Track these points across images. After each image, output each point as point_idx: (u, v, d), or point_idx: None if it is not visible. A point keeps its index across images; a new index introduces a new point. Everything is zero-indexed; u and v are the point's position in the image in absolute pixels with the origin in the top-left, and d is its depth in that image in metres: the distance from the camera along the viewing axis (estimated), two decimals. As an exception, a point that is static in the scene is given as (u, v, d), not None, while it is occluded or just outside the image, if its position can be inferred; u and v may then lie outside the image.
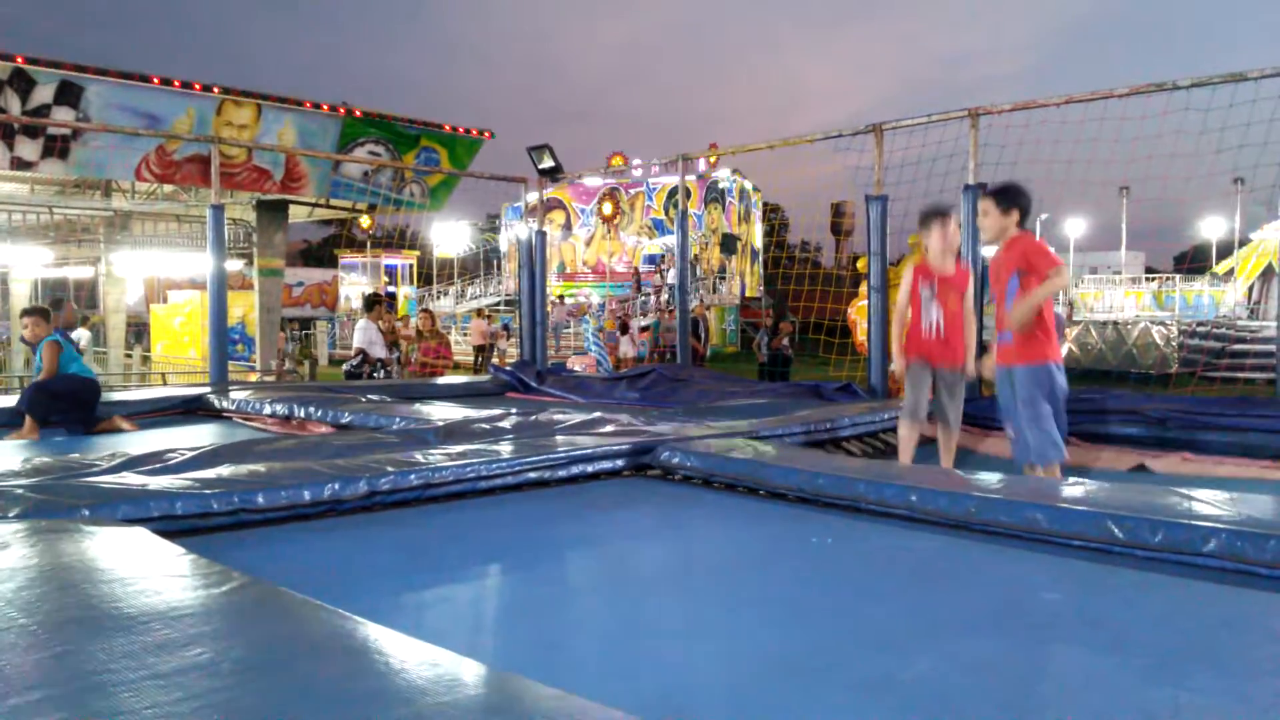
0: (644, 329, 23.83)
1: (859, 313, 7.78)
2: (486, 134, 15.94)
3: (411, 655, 1.66)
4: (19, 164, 12.21)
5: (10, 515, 2.80)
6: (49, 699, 1.44)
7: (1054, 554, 2.93)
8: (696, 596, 2.72)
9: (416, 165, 15.35)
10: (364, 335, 10.20)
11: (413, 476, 3.59)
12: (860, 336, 7.77)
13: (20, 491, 3.07)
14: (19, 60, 11.31)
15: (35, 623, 1.80)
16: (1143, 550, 2.82)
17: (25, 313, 6.59)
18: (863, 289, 7.63)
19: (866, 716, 1.80)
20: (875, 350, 7.30)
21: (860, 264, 7.80)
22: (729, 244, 35.96)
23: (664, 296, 28.96)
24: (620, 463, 4.25)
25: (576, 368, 14.33)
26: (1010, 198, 4.47)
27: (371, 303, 10.90)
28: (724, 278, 34.84)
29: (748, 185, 37.69)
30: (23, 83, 11.50)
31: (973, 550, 3.02)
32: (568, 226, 37.71)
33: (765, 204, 39.21)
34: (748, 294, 35.23)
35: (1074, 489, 3.28)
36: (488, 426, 4.91)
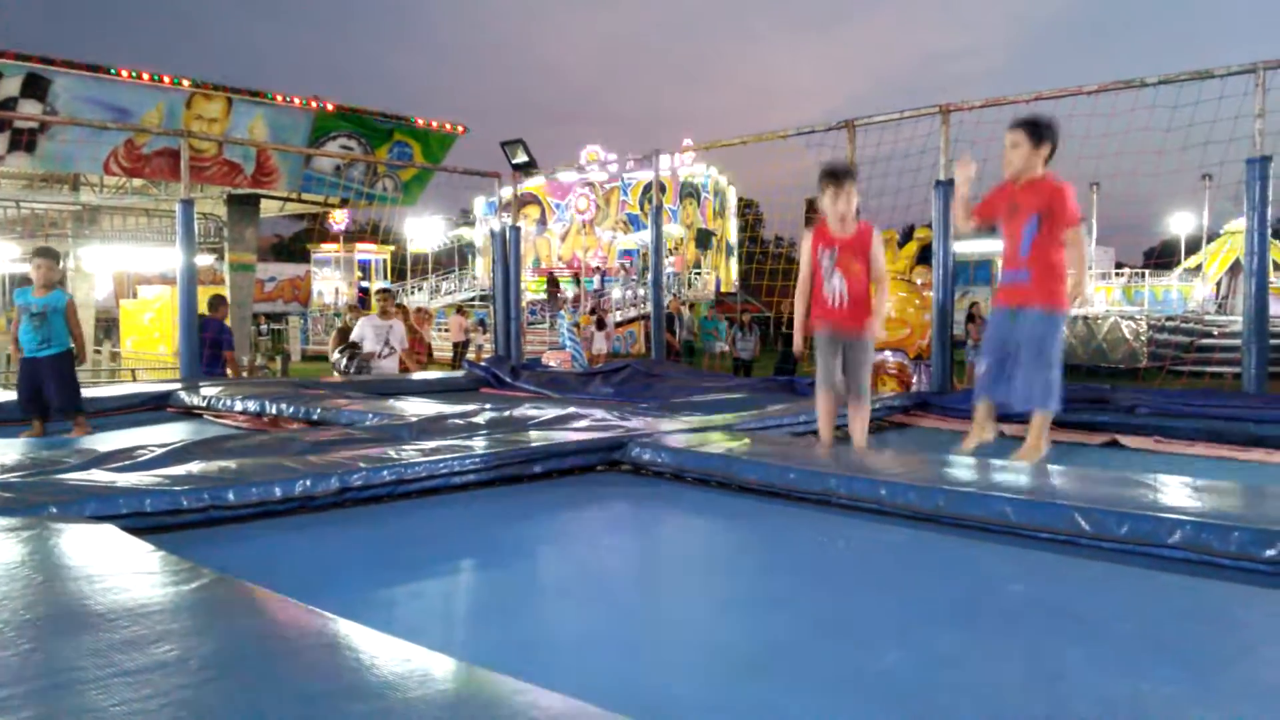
0: (619, 325, 23.84)
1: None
2: (460, 128, 15.89)
3: (382, 651, 1.66)
4: (-16, 157, 12.05)
5: (-25, 513, 2.76)
6: (14, 697, 1.43)
7: (1022, 546, 2.96)
8: (667, 591, 2.73)
9: (389, 160, 15.28)
10: (358, 330, 10.05)
11: (385, 473, 3.58)
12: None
13: (-14, 489, 3.03)
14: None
15: (0, 621, 1.79)
16: (1109, 542, 2.86)
17: (39, 253, 5.85)
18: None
19: (836, 710, 1.82)
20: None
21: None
22: (704, 239, 36.04)
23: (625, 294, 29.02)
24: (593, 458, 4.26)
25: (552, 363, 14.31)
26: (1045, 131, 4.27)
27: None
28: (699, 273, 34.91)
29: (722, 180, 37.74)
30: (-12, 75, 11.35)
31: (942, 543, 3.05)
32: (543, 221, 37.65)
33: (740, 199, 39.31)
34: (723, 289, 35.33)
35: (1042, 481, 3.32)
36: (461, 422, 4.90)
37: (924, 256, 7.30)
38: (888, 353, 7.52)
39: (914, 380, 7.32)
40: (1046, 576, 2.69)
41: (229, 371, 9.61)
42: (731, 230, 39.06)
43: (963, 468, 3.66)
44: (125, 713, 1.39)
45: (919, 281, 7.35)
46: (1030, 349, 4.23)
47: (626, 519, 3.65)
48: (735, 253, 38.64)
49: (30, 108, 11.67)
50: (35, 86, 11.68)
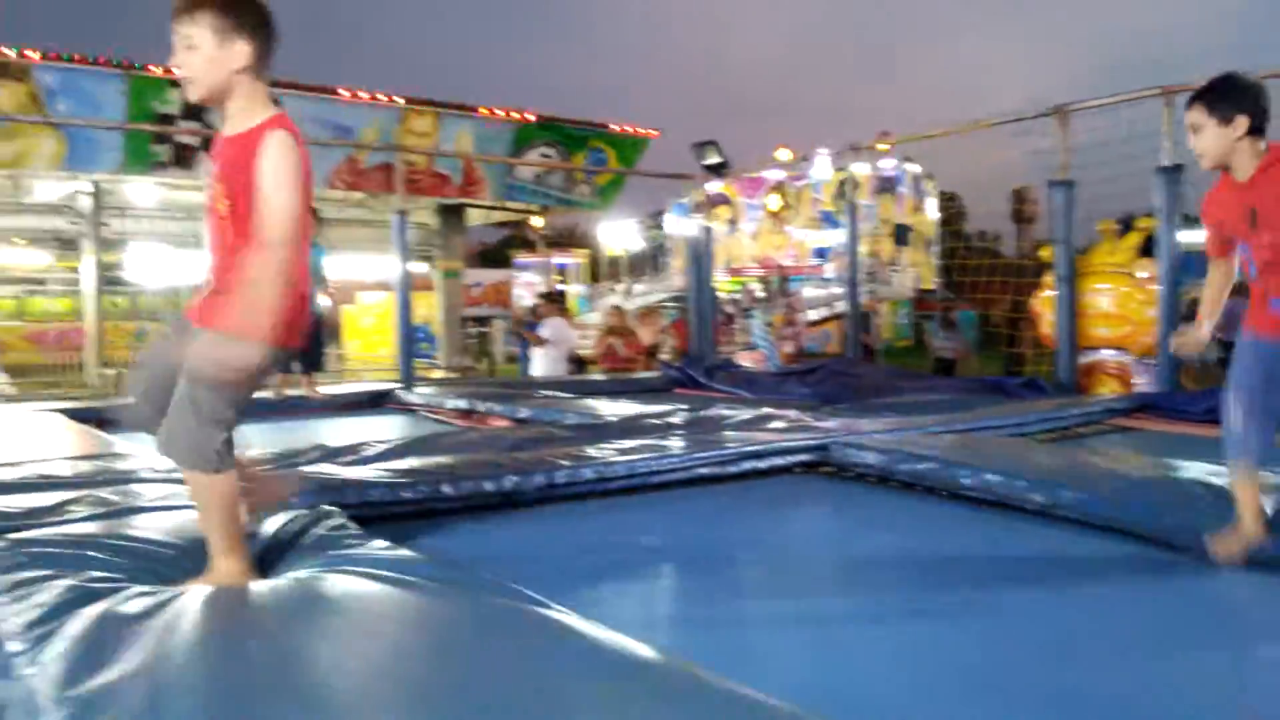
0: (813, 323, 23.40)
1: (1043, 304, 7.40)
2: (653, 133, 16.12)
3: (595, 639, 1.71)
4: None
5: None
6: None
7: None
8: (870, 598, 2.66)
9: (586, 165, 15.68)
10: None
11: (587, 471, 3.67)
12: (1045, 329, 7.39)
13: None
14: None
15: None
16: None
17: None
18: (1047, 279, 7.27)
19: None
20: (1063, 344, 6.96)
21: (1044, 253, 7.42)
22: (901, 235, 34.98)
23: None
24: (792, 459, 4.20)
25: (745, 363, 14.24)
26: (1232, 99, 2.81)
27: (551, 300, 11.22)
28: (896, 269, 33.90)
29: (920, 171, 36.49)
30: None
31: (1165, 557, 2.83)
32: (734, 221, 37.58)
33: (941, 192, 37.83)
34: (923, 286, 34.14)
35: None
36: (658, 422, 4.95)
37: (1147, 249, 6.80)
38: (1107, 351, 7.06)
39: (1137, 381, 6.84)
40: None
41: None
42: (931, 224, 37.68)
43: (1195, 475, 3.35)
44: (351, 693, 1.49)
45: (1143, 275, 6.85)
46: None
47: (827, 522, 3.60)
48: (935, 247, 37.27)
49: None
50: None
